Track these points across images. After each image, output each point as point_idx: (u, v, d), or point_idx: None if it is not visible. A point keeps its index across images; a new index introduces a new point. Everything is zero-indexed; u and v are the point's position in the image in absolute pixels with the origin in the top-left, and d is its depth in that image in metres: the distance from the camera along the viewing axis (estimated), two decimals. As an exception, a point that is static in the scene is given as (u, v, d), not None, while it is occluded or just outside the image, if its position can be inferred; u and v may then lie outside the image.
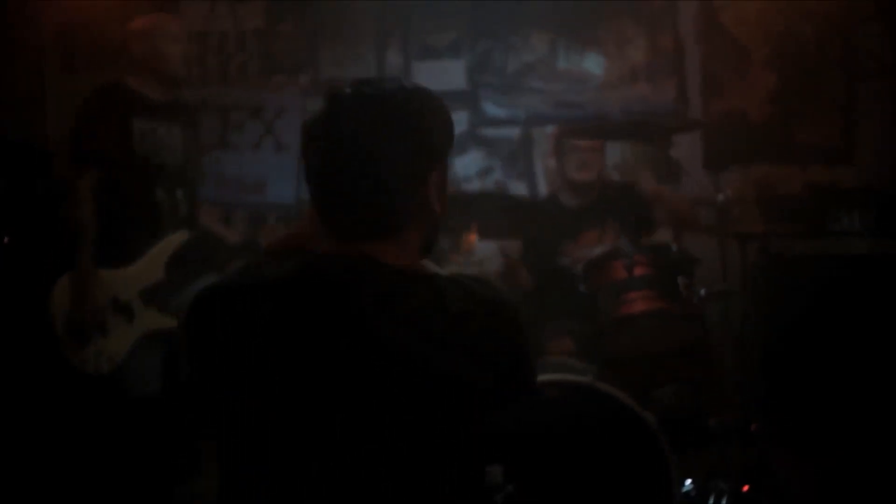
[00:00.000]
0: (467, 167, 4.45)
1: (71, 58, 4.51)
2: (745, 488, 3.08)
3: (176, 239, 3.24)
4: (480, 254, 3.95)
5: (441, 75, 4.45)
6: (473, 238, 3.78)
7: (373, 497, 1.33)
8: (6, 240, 3.54)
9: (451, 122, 1.46)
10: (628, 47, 4.40)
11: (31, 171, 3.81)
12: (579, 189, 3.67)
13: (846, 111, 4.28)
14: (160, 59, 3.25)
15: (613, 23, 4.40)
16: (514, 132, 4.46)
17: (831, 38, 4.27)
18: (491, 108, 4.45)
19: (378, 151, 1.34)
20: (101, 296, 3.09)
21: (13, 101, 4.39)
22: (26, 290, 3.49)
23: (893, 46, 4.22)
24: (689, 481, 3.03)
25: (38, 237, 3.63)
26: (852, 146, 4.26)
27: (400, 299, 1.34)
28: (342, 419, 1.32)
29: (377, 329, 1.32)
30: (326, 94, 1.40)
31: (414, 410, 1.32)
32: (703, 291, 3.25)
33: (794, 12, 4.28)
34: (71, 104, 4.45)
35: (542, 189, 4.40)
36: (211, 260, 3.33)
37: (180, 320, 1.52)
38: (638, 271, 3.13)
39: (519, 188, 4.45)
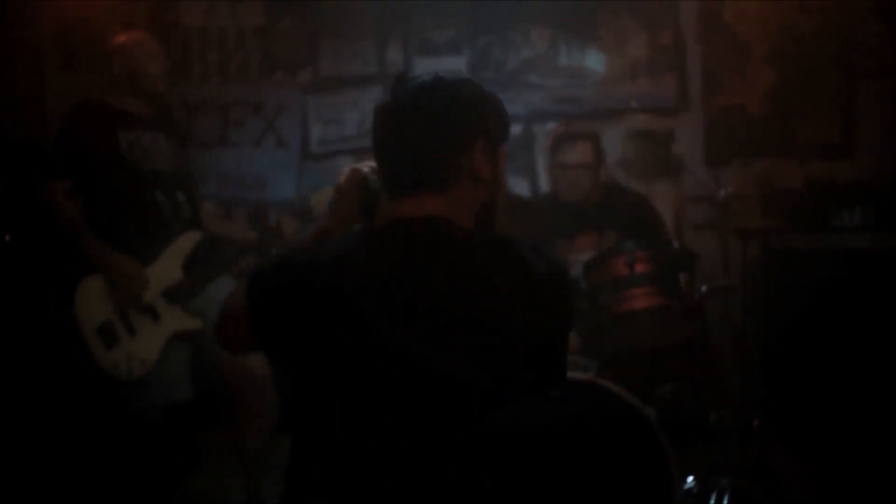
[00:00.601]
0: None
1: (70, 57, 4.51)
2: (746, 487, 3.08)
3: (189, 239, 3.25)
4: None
5: (442, 72, 4.44)
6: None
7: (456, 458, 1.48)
8: (7, 238, 3.54)
9: (499, 107, 1.67)
10: (629, 44, 4.39)
11: (29, 170, 3.81)
12: (571, 203, 3.66)
13: (846, 107, 4.27)
14: (140, 78, 3.26)
15: (614, 19, 4.39)
16: (514, 129, 4.44)
17: (831, 35, 4.26)
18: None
19: (430, 120, 1.57)
20: (135, 283, 3.09)
21: (13, 100, 4.39)
22: (27, 288, 3.50)
23: (893, 43, 4.21)
24: (690, 478, 3.03)
25: (39, 236, 3.64)
26: (852, 142, 4.26)
27: (480, 259, 1.52)
28: (433, 383, 1.47)
29: (462, 289, 1.49)
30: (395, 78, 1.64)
31: (497, 368, 1.50)
32: (703, 288, 3.25)
33: (794, 9, 4.27)
34: (70, 103, 4.48)
35: (543, 185, 4.40)
36: (225, 259, 3.33)
37: (248, 302, 1.56)
38: (639, 268, 3.13)
39: (520, 184, 4.44)
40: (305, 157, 4.50)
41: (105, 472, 3.23)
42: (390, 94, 1.62)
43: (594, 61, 4.41)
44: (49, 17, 4.47)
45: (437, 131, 1.56)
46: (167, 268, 3.18)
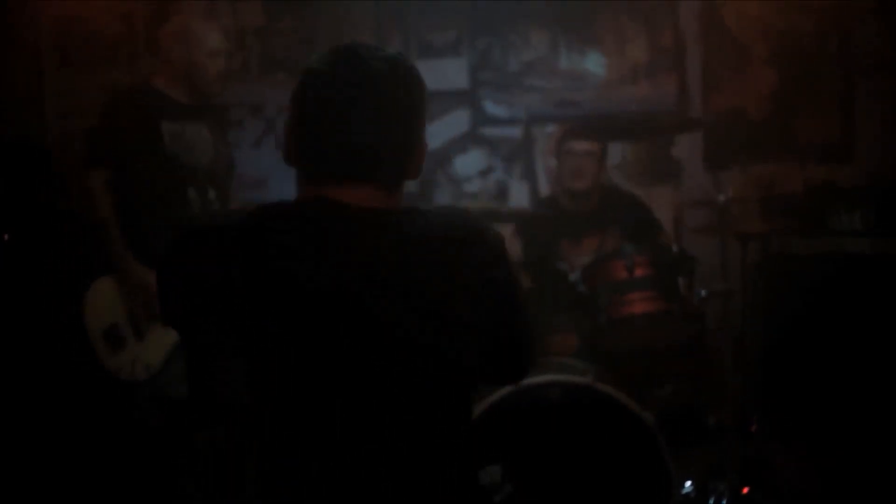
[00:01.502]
0: (468, 166, 4.45)
1: (69, 55, 4.50)
2: (745, 490, 3.08)
3: None
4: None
5: (442, 74, 4.44)
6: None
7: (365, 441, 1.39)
8: (6, 237, 3.54)
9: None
10: (629, 46, 4.39)
11: (29, 169, 3.80)
12: (575, 196, 3.66)
13: (846, 109, 4.27)
14: (196, 70, 3.18)
15: (613, 21, 4.39)
16: (515, 131, 4.45)
17: (831, 36, 4.26)
18: (492, 107, 4.44)
19: (397, 109, 1.44)
20: (144, 290, 3.03)
21: (11, 98, 4.39)
22: (25, 288, 3.49)
23: (893, 43, 4.21)
24: (688, 483, 3.03)
25: (38, 235, 3.63)
26: (852, 144, 4.26)
27: (362, 233, 1.40)
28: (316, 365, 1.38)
29: (341, 267, 1.38)
30: (337, 52, 1.47)
31: (381, 348, 1.38)
32: (703, 292, 3.25)
33: (794, 10, 4.27)
34: (69, 102, 4.49)
35: (544, 188, 4.40)
36: None
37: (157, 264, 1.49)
38: (638, 272, 3.13)
39: (520, 187, 4.44)
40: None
41: (104, 472, 3.23)
42: (335, 64, 1.45)
43: (594, 64, 4.41)
44: (48, 16, 4.46)
45: (403, 123, 1.45)
46: None
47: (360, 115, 1.41)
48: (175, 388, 3.11)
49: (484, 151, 4.44)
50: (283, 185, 4.41)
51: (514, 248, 3.61)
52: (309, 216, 1.42)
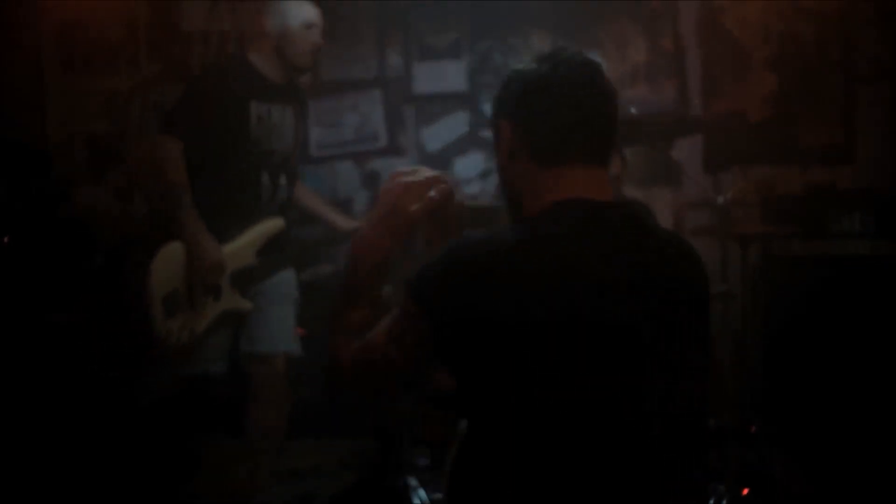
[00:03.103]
0: (468, 169, 4.45)
1: (71, 60, 4.51)
2: (745, 492, 3.07)
3: (272, 226, 3.19)
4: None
5: (441, 76, 4.45)
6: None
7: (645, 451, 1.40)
8: (6, 239, 3.54)
9: None
10: (628, 48, 4.39)
11: (28, 172, 3.81)
12: None
13: (846, 113, 4.27)
14: (290, 45, 3.14)
15: (613, 23, 4.39)
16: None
17: (831, 40, 4.26)
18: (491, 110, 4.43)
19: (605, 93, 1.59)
20: (216, 264, 3.01)
21: (12, 100, 4.39)
22: (25, 289, 3.50)
23: (893, 49, 4.21)
24: None
25: (37, 237, 3.64)
26: (852, 147, 4.26)
27: (624, 243, 1.49)
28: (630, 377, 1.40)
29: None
30: (558, 57, 1.58)
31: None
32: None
33: (795, 14, 4.27)
34: (71, 106, 4.49)
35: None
36: (297, 253, 3.34)
37: (416, 290, 1.46)
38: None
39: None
40: (304, 160, 4.50)
41: (105, 474, 3.24)
42: (544, 67, 1.56)
43: (594, 66, 4.40)
44: (50, 20, 4.47)
45: (615, 105, 1.59)
46: (241, 251, 3.12)
47: (593, 98, 1.56)
48: (212, 362, 3.17)
49: (484, 154, 4.44)
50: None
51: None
52: (579, 228, 1.46)
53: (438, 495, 3.09)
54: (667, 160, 4.35)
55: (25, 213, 3.68)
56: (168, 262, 2.98)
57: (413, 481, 3.22)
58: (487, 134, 4.44)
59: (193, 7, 4.48)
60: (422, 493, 3.19)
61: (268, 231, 3.17)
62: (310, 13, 3.17)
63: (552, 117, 1.51)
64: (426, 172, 1.62)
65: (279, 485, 3.48)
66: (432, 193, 1.59)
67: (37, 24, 4.47)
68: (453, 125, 4.45)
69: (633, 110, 3.66)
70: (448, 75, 4.45)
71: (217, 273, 3.02)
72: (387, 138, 4.49)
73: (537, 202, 1.50)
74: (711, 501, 3.02)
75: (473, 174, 4.45)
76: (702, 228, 3.82)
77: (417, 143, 4.48)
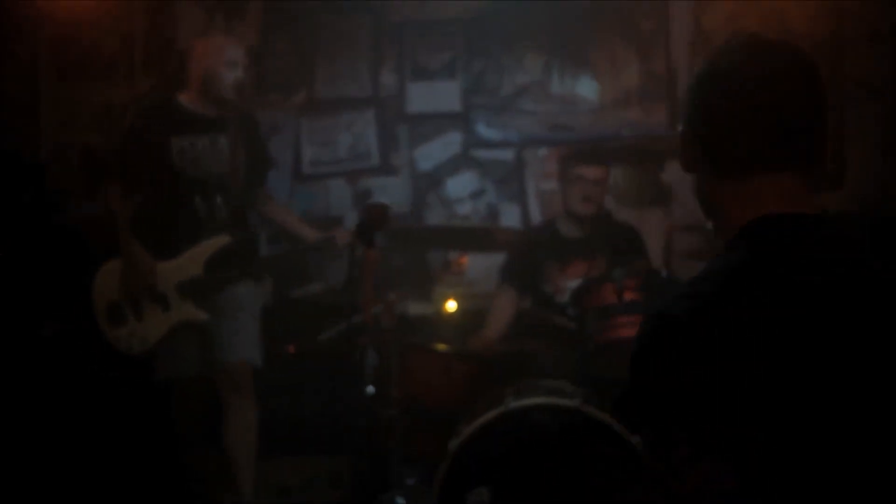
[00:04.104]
0: (459, 188, 4.46)
1: (66, 71, 4.51)
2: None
3: (217, 242, 3.47)
4: (471, 275, 3.98)
5: (435, 96, 4.46)
6: (465, 260, 3.81)
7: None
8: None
9: None
10: (621, 70, 4.42)
11: (22, 182, 3.82)
12: (581, 221, 3.68)
13: (837, 134, 4.30)
14: (211, 82, 3.47)
15: (606, 45, 4.42)
16: (507, 154, 4.47)
17: (822, 63, 4.28)
18: (484, 130, 4.46)
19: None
20: (144, 277, 3.39)
21: (7, 111, 4.39)
22: (20, 299, 3.51)
23: (882, 70, 4.24)
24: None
25: (31, 248, 3.65)
26: (843, 169, 4.28)
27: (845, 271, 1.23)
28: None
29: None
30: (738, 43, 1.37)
31: None
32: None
33: (785, 36, 4.28)
34: (65, 117, 4.49)
35: (535, 212, 4.41)
36: (248, 267, 3.58)
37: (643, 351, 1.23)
38: (627, 296, 3.14)
39: (511, 211, 4.45)
40: (297, 178, 4.51)
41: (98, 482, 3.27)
42: (746, 49, 1.34)
43: (587, 88, 4.44)
44: (45, 32, 4.47)
45: (825, 107, 1.33)
46: (186, 265, 3.45)
47: (792, 94, 1.30)
48: (182, 365, 3.47)
49: (476, 174, 4.46)
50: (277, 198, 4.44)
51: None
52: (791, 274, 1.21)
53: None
54: (657, 182, 4.38)
55: (19, 224, 3.69)
56: (108, 277, 3.42)
57: (401, 501, 3.22)
58: (480, 154, 4.47)
59: (189, 23, 4.50)
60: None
61: (212, 246, 3.46)
62: (232, 53, 3.53)
63: (733, 119, 1.30)
64: None
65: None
66: None
67: (33, 34, 4.48)
68: (446, 145, 4.47)
69: (625, 132, 3.71)
70: (441, 95, 4.47)
71: (148, 275, 3.38)
72: (379, 157, 4.50)
73: (731, 222, 1.30)
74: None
75: (465, 194, 4.46)
76: (692, 251, 3.84)
77: (410, 162, 4.50)
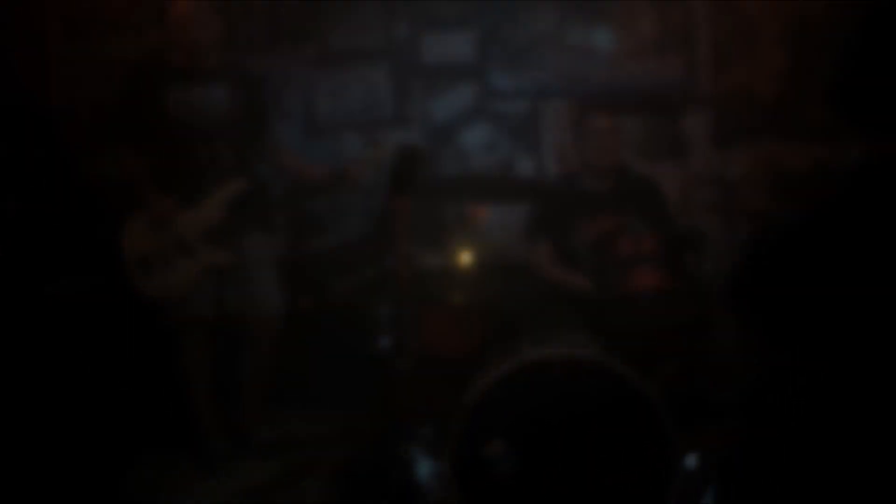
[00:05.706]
0: (474, 140, 4.43)
1: (75, 26, 4.48)
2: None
3: (236, 185, 3.55)
4: (489, 227, 3.95)
5: (449, 47, 4.42)
6: (483, 212, 3.78)
7: None
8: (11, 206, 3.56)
9: None
10: (637, 22, 4.36)
11: (33, 138, 3.81)
12: (600, 173, 3.64)
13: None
14: (189, 44, 3.54)
15: (623, -4, 4.37)
16: (521, 106, 4.43)
17: (840, 15, 4.23)
18: (499, 81, 4.42)
19: None
20: (170, 227, 3.50)
21: (15, 66, 4.37)
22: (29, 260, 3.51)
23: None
24: (692, 457, 3.03)
25: (42, 205, 3.64)
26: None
27: None
28: None
29: None
30: None
31: None
32: (709, 268, 3.24)
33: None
34: (74, 72, 4.46)
35: (549, 163, 4.38)
36: (267, 208, 3.71)
37: None
38: (645, 247, 3.12)
39: (526, 162, 4.43)
40: (310, 131, 4.48)
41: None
42: None
43: (602, 39, 4.38)
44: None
45: None
46: (208, 211, 3.53)
47: None
48: (199, 305, 3.56)
49: (490, 125, 4.42)
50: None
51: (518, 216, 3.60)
52: None
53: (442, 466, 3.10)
54: (674, 135, 4.34)
55: (28, 180, 3.68)
56: (135, 229, 3.51)
57: (417, 451, 3.23)
58: (495, 106, 4.43)
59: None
60: (427, 463, 3.20)
61: (229, 191, 3.55)
62: (200, 16, 3.56)
63: None
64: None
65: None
66: None
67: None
68: (460, 96, 4.43)
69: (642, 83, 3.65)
70: (455, 46, 4.42)
71: (174, 221, 3.48)
72: (393, 109, 4.47)
73: None
74: (714, 475, 3.03)
75: (479, 146, 4.44)
76: (709, 204, 3.81)
77: (424, 114, 4.46)
